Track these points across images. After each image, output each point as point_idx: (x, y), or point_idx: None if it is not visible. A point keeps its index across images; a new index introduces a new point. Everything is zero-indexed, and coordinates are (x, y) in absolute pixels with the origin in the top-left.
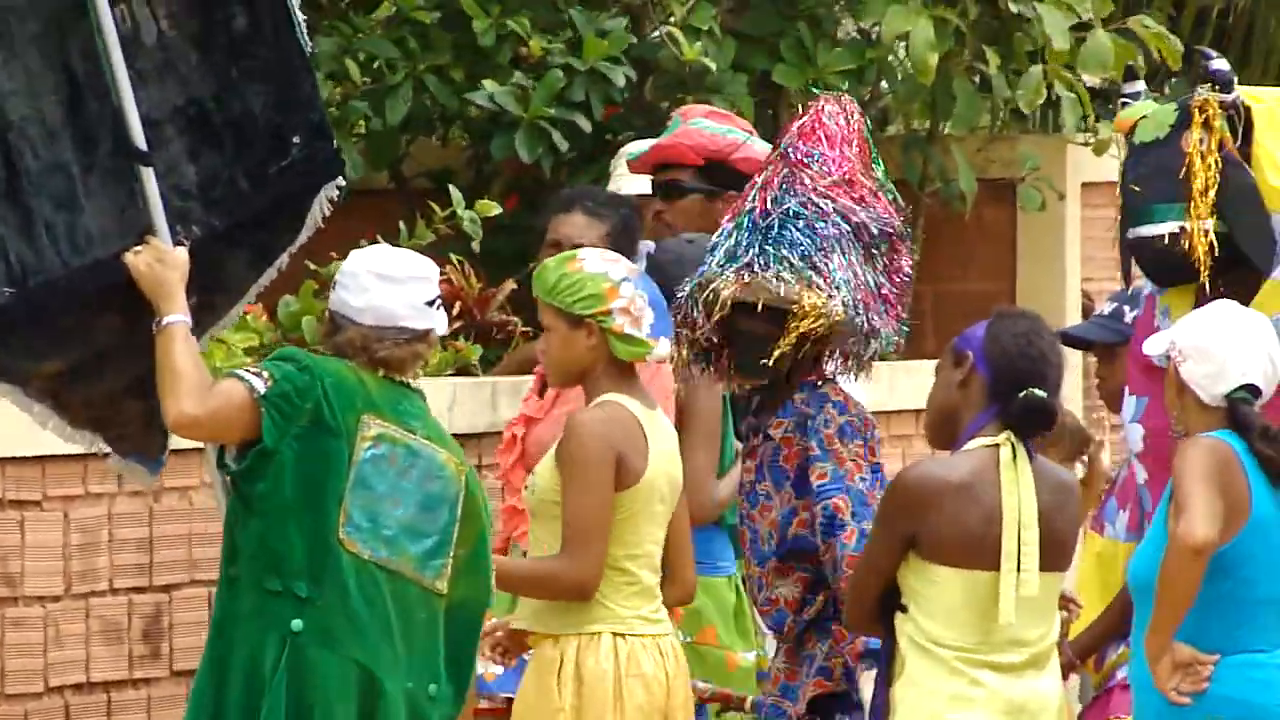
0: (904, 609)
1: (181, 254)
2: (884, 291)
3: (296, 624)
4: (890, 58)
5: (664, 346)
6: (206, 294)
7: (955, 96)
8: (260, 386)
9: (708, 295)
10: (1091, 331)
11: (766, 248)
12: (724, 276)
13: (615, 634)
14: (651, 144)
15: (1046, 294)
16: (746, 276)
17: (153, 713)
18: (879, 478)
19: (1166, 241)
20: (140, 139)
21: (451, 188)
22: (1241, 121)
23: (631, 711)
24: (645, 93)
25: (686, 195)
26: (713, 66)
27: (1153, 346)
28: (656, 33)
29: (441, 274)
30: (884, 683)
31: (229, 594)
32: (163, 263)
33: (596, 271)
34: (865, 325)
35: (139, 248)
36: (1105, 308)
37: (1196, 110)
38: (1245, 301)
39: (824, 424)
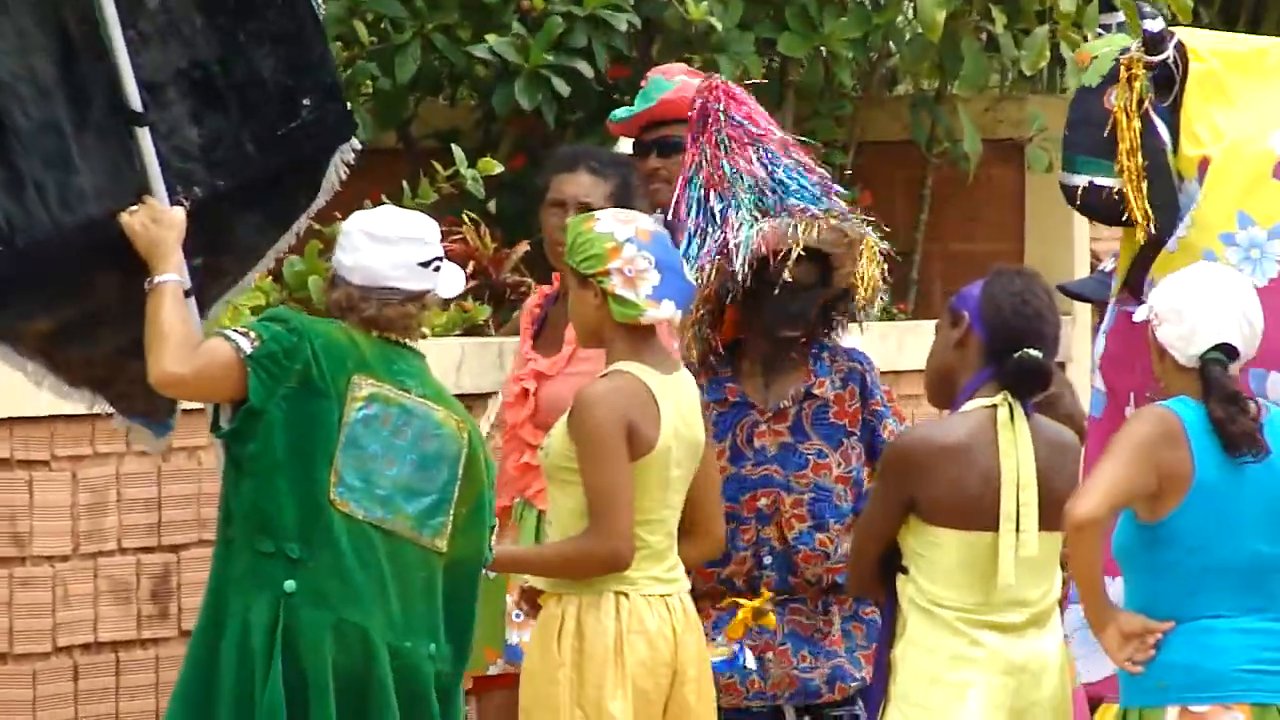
0: (905, 571)
1: (178, 214)
2: None
3: (289, 585)
4: (899, 19)
5: (665, 309)
6: (213, 256)
7: (963, 57)
8: (247, 346)
9: (745, 249)
10: (1088, 286)
11: (786, 199)
12: (760, 227)
13: (618, 593)
14: (640, 107)
15: (1054, 254)
16: (791, 223)
17: (161, 672)
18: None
19: (1080, 195)
20: (136, 100)
21: (454, 146)
22: (1179, 82)
23: (634, 667)
24: (651, 53)
25: (685, 150)
26: (718, 26)
27: (1140, 313)
28: None
29: (456, 234)
30: (885, 644)
31: (225, 556)
32: (158, 222)
33: (604, 231)
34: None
35: (134, 207)
36: (1107, 264)
37: (1123, 68)
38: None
39: (879, 379)
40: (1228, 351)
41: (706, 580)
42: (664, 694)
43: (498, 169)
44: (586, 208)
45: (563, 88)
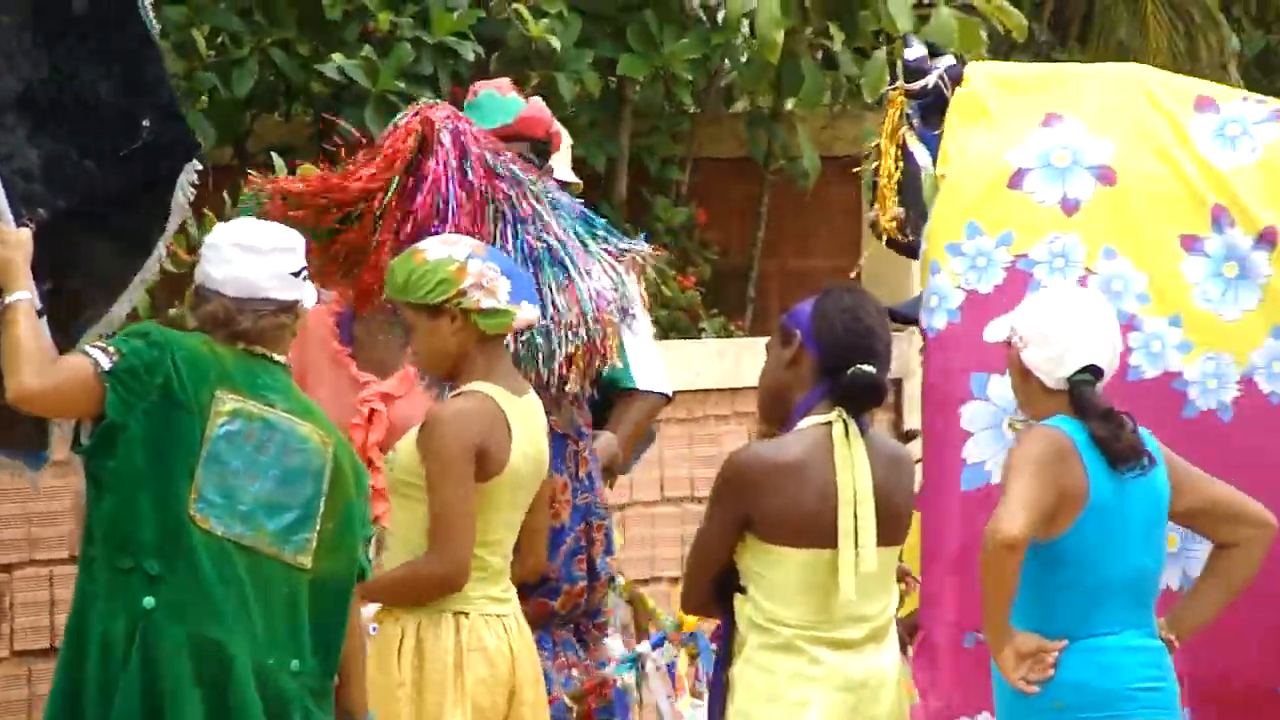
0: (742, 590)
1: (25, 234)
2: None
3: (148, 602)
4: (737, 39)
5: (528, 311)
6: (66, 281)
7: (801, 75)
8: (105, 362)
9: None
10: (916, 309)
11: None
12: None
13: (457, 612)
14: (498, 123)
15: (891, 271)
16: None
17: None
18: None
19: (872, 224)
20: None
21: (274, 155)
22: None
23: (473, 685)
24: (491, 70)
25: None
26: (557, 45)
27: (993, 332)
28: (505, 11)
29: None
30: (723, 663)
31: (86, 574)
32: (4, 243)
33: (440, 257)
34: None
35: None
36: None
37: (889, 102)
38: None
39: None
40: (1094, 373)
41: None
42: (501, 713)
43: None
44: None
45: None
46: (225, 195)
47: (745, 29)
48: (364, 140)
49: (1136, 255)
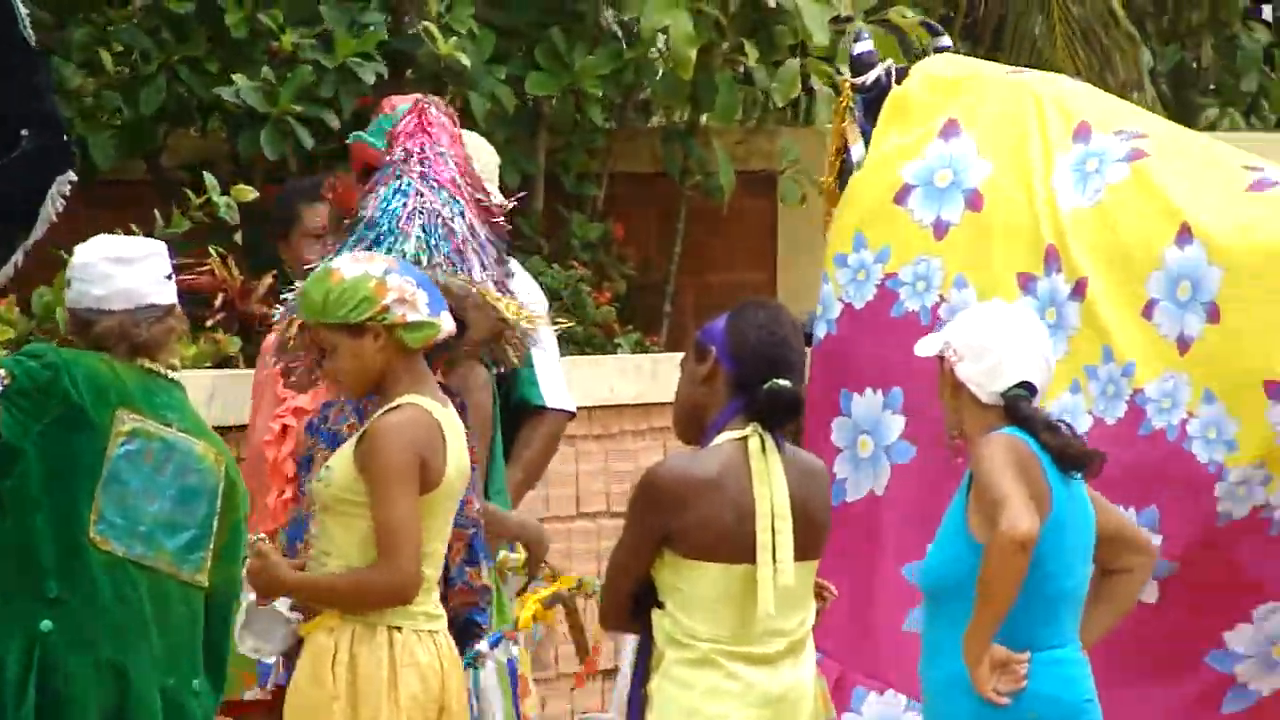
0: (660, 605)
1: None
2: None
3: (46, 625)
4: (652, 51)
5: (448, 321)
6: None
7: (716, 90)
8: None
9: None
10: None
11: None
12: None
13: (390, 626)
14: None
15: (807, 285)
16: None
17: None
18: None
19: None
20: None
21: (206, 174)
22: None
23: (406, 701)
24: (402, 87)
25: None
26: (468, 63)
27: (925, 347)
28: (414, 28)
29: (204, 265)
30: (640, 678)
31: None
32: None
33: (358, 274)
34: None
35: None
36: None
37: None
38: None
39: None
40: (1028, 389)
41: None
42: None
43: (252, 195)
44: None
45: (307, 139)
46: (156, 213)
47: (661, 43)
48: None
49: (981, 287)
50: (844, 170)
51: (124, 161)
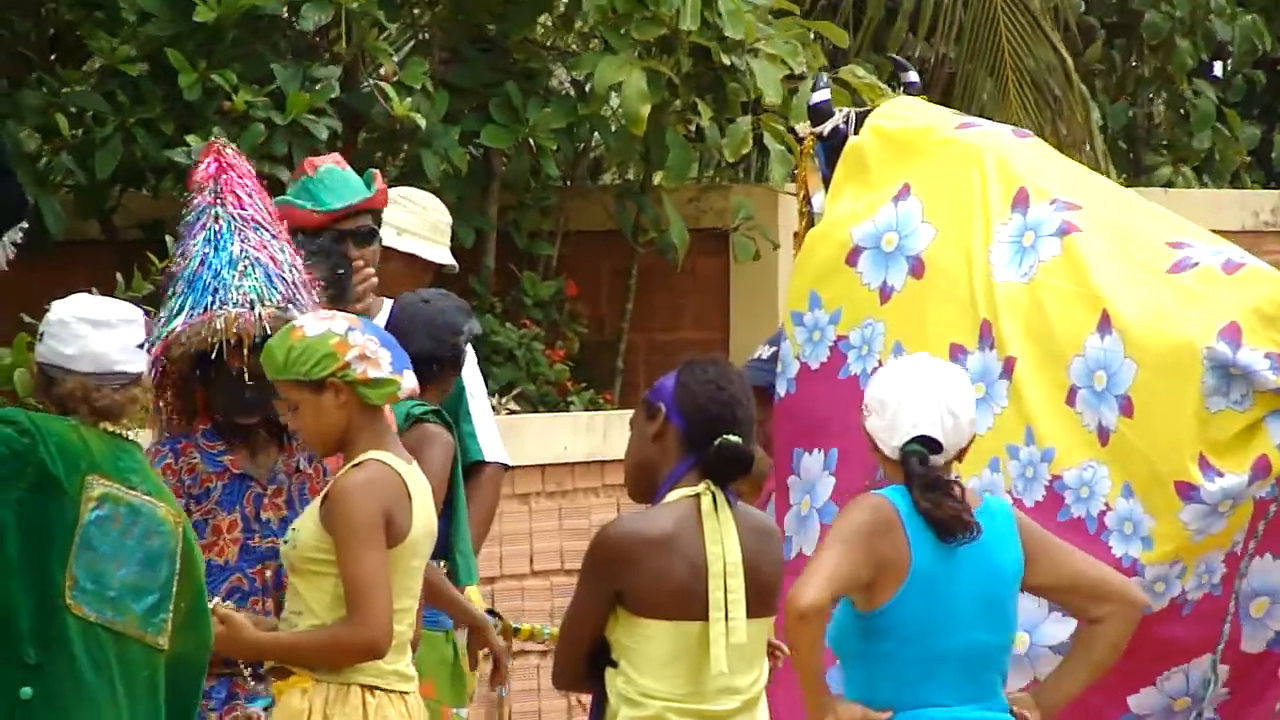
0: (614, 664)
1: None
2: None
3: (25, 692)
4: (605, 110)
5: (410, 380)
6: None
7: (668, 148)
8: None
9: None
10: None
11: (227, 291)
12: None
13: (365, 687)
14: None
15: (760, 342)
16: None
17: None
18: None
19: None
20: None
21: (168, 237)
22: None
23: None
24: (357, 146)
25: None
26: (422, 123)
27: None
28: (367, 85)
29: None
30: None
31: None
32: None
33: (320, 332)
34: None
35: None
36: (763, 351)
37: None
38: None
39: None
40: (929, 444)
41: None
42: None
43: None
44: None
45: None
46: (118, 275)
47: (614, 101)
48: None
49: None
50: (811, 220)
51: (76, 223)
